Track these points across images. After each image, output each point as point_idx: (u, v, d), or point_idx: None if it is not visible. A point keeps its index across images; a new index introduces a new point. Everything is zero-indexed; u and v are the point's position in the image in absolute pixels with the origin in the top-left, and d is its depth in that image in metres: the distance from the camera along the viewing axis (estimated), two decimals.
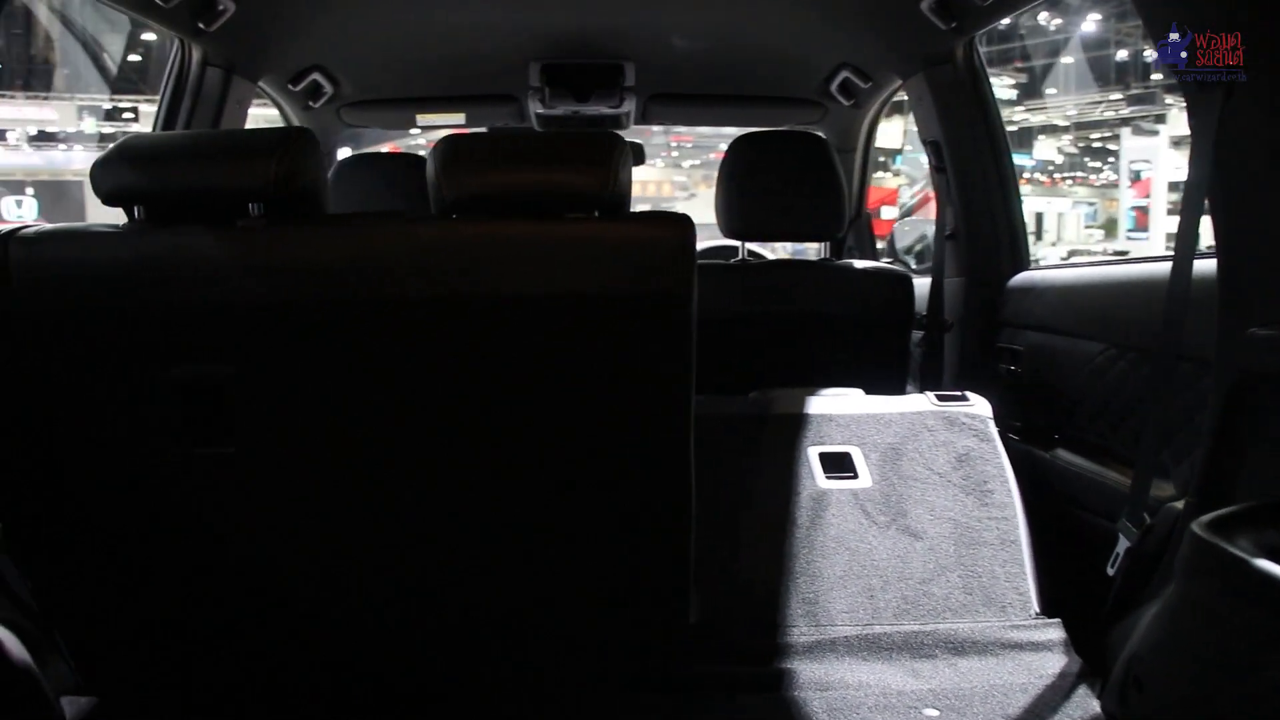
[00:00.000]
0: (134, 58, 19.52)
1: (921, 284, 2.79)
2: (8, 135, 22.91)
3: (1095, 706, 1.60)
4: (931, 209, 2.96)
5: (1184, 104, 1.59)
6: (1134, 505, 1.73)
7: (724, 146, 2.66)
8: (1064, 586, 1.95)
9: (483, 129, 3.58)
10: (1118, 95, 22.76)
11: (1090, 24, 22.09)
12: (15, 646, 1.45)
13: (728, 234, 2.58)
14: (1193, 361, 1.70)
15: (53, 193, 18.07)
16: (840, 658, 1.77)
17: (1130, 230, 21.74)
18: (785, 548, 1.96)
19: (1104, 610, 1.74)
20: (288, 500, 1.51)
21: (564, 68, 2.99)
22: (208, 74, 2.52)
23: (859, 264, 2.70)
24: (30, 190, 19.06)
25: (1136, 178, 21.88)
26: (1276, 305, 1.46)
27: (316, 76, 2.96)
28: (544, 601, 1.62)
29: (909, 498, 2.05)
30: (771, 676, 1.71)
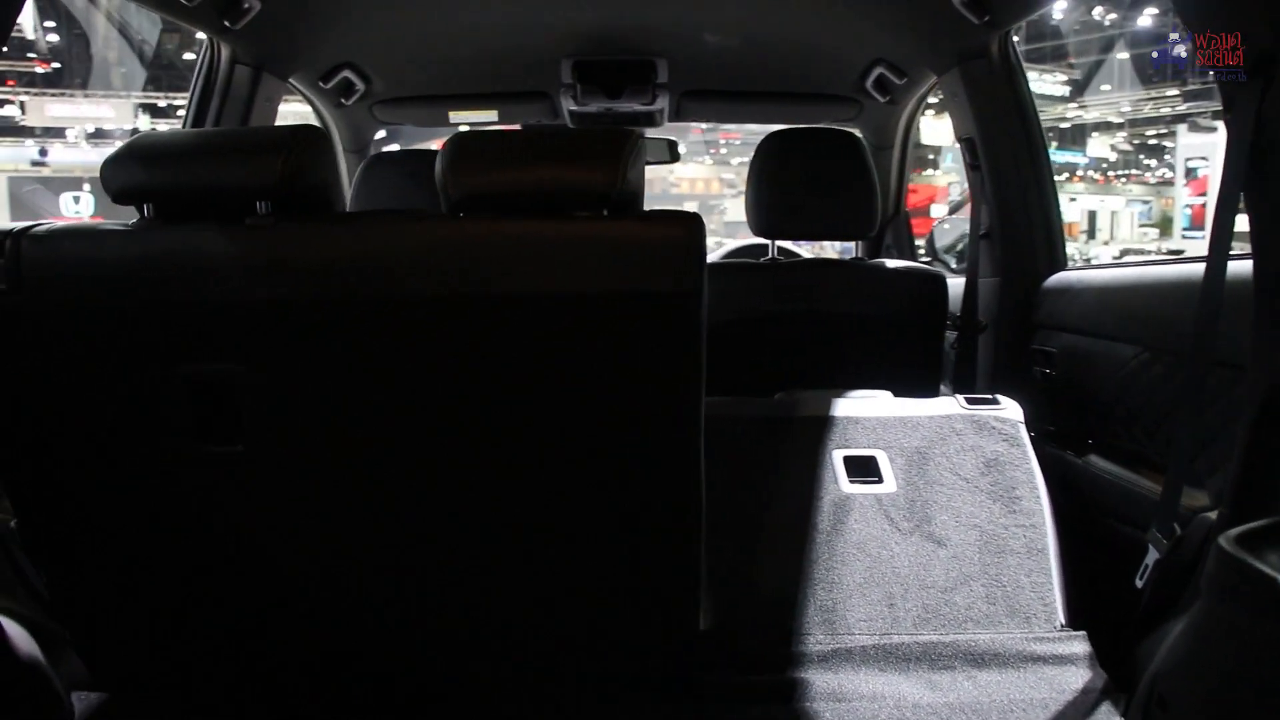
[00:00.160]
0: (189, 55, 19.90)
1: (956, 284, 2.73)
2: (66, 133, 23.48)
3: None
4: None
5: None
6: (1164, 515, 1.67)
7: None
8: (1092, 598, 1.89)
9: (516, 126, 3.58)
10: (1174, 91, 22.29)
11: (1146, 18, 21.65)
12: (24, 642, 1.46)
13: (757, 232, 2.54)
14: (1229, 367, 1.64)
15: None
16: (856, 668, 1.73)
17: (1186, 228, 21.32)
18: (804, 553, 1.92)
19: (1131, 624, 1.68)
20: (297, 498, 1.50)
21: (596, 64, 2.98)
22: (236, 72, 2.54)
23: (890, 263, 2.65)
24: (87, 186, 19.52)
25: (1193, 175, 21.44)
26: None
27: (347, 74, 2.97)
28: (549, 603, 1.60)
29: (934, 503, 2.01)
30: (784, 686, 1.68)
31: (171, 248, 1.39)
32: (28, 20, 22.45)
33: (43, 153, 22.42)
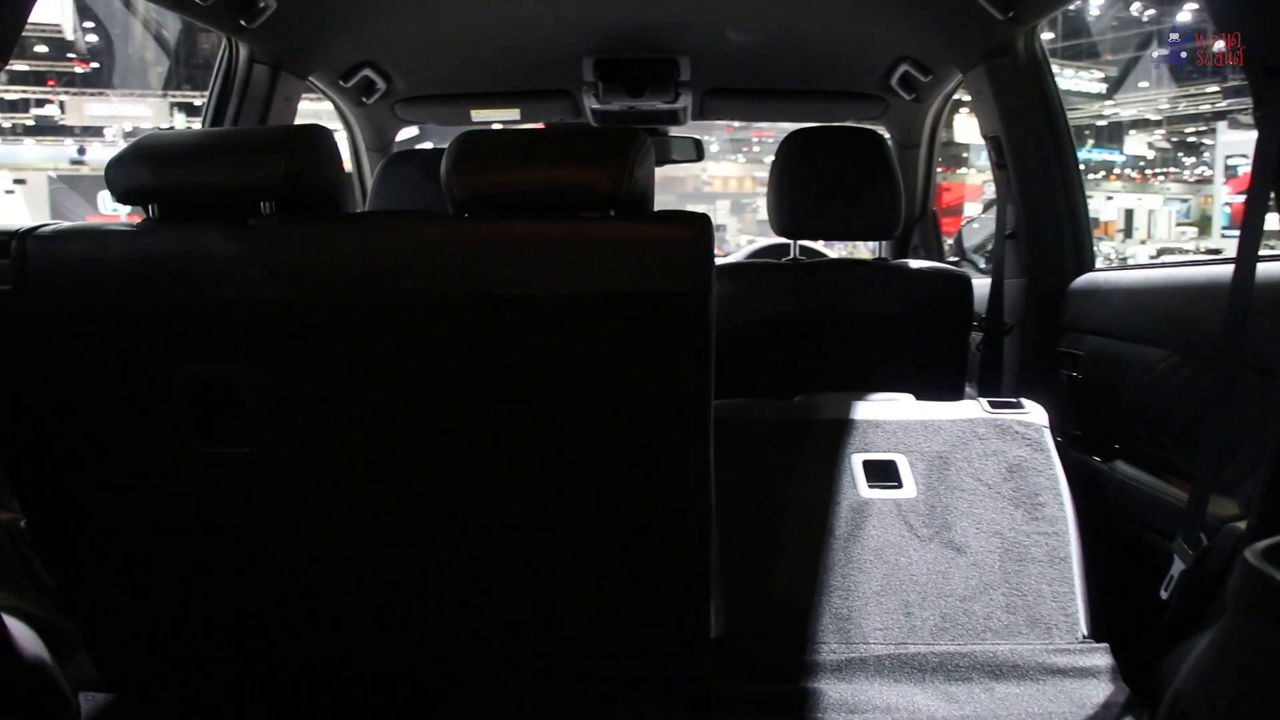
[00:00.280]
0: None
1: (982, 284, 2.68)
2: (105, 132, 23.81)
3: None
4: None
5: None
6: (1190, 525, 1.62)
7: None
8: (1116, 609, 1.84)
9: (539, 124, 3.57)
10: (1214, 88, 21.93)
11: (1185, 14, 21.31)
12: (31, 642, 1.46)
13: (779, 232, 2.50)
14: (1260, 371, 1.58)
15: None
16: (870, 678, 1.69)
17: (1225, 227, 20.98)
18: (820, 559, 1.88)
19: (1156, 636, 1.64)
20: (299, 498, 1.49)
21: (618, 63, 2.96)
22: (255, 71, 2.53)
23: (914, 263, 2.60)
24: None
25: (1233, 173, 21.10)
26: None
27: (368, 73, 2.97)
28: (550, 605, 1.58)
29: (955, 509, 1.96)
30: (796, 695, 1.65)
31: (175, 248, 1.38)
32: (67, 21, 22.80)
33: (81, 151, 22.76)
